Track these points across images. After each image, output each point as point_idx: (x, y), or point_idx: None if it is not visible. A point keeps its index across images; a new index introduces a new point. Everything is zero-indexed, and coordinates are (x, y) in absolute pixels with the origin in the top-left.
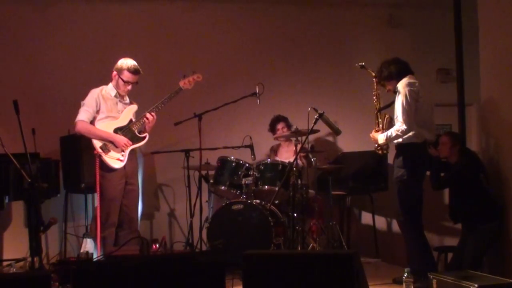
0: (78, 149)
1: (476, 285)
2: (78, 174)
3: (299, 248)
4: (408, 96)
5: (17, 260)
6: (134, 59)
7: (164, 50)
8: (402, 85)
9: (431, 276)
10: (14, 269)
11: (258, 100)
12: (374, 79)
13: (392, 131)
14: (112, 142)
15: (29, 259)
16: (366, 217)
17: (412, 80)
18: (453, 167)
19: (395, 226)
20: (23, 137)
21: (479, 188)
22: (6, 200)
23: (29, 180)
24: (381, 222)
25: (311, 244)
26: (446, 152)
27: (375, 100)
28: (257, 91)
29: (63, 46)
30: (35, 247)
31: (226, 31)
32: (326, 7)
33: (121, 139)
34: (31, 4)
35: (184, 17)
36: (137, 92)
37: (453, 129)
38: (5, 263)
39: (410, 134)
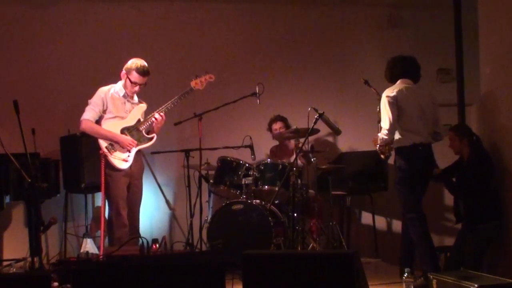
0: (78, 149)
1: (476, 285)
2: (78, 174)
3: (299, 248)
4: (385, 104)
5: (17, 260)
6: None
7: (164, 51)
8: (384, 92)
9: (431, 276)
10: (14, 269)
11: (258, 100)
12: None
13: (379, 136)
14: (117, 143)
15: (29, 259)
16: (366, 217)
17: (393, 88)
18: (464, 166)
19: (395, 226)
20: (23, 137)
21: (486, 185)
22: (6, 200)
23: (29, 180)
24: (381, 222)
25: (311, 244)
26: (457, 147)
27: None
28: (257, 91)
29: (63, 46)
30: (35, 247)
31: (226, 31)
32: (326, 7)
33: (125, 139)
34: (31, 4)
35: (184, 17)
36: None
37: None
38: (5, 263)
39: (397, 138)
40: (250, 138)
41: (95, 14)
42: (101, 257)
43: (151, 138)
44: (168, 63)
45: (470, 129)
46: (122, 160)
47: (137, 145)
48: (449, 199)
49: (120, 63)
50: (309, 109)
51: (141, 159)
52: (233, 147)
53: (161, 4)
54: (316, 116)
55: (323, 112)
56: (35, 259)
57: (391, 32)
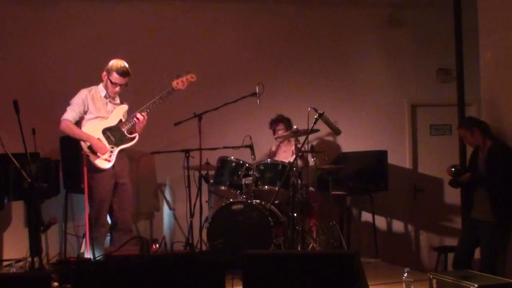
0: (78, 149)
1: (476, 285)
2: (78, 174)
3: (299, 248)
4: None
5: (17, 260)
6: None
7: (164, 50)
8: None
9: (431, 276)
10: (14, 269)
11: (258, 100)
12: None
13: None
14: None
15: (29, 259)
16: (366, 217)
17: None
18: (490, 155)
19: (395, 226)
20: (23, 137)
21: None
22: (6, 200)
23: (29, 180)
24: (381, 222)
25: (311, 244)
26: (473, 141)
27: None
28: (257, 91)
29: (63, 46)
30: (35, 247)
31: (226, 31)
32: (326, 7)
33: (97, 143)
34: (31, 4)
35: (184, 17)
36: (136, 92)
37: (453, 129)
38: (5, 263)
39: None
40: (250, 138)
41: (95, 14)
42: (97, 257)
43: (133, 138)
44: (169, 64)
45: (474, 118)
46: (104, 160)
47: (119, 145)
48: (449, 198)
49: None
50: (309, 109)
51: (125, 157)
52: (233, 147)
53: (161, 4)
54: (316, 116)
55: (323, 112)
56: (35, 259)
57: (391, 32)
